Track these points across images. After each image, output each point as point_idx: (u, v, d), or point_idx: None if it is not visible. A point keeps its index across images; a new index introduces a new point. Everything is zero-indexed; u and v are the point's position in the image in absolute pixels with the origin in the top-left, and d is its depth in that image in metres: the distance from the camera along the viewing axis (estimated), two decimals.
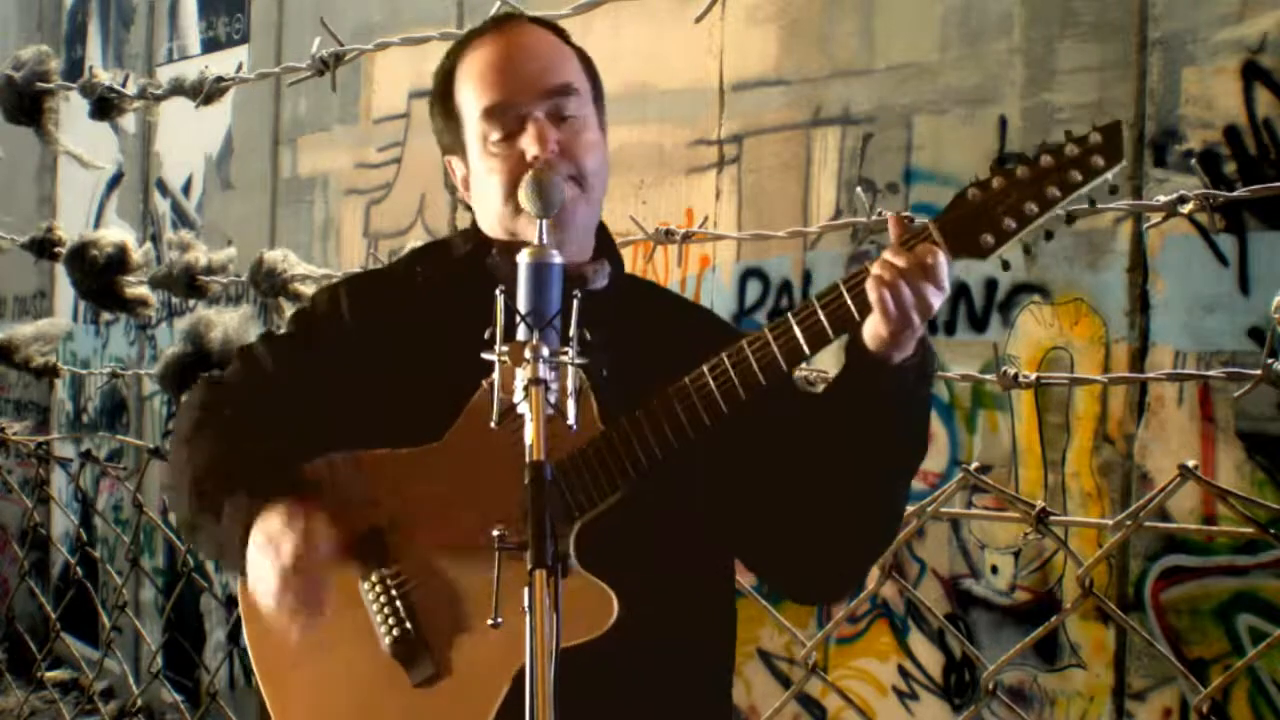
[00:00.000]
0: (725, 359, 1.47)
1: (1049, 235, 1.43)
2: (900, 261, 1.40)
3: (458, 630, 1.54)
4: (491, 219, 1.65)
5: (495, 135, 1.59)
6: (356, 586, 1.60)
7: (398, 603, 1.57)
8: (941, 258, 1.40)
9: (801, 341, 1.44)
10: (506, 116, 1.58)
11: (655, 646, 1.54)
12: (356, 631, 1.59)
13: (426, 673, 1.55)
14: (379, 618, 1.58)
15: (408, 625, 1.56)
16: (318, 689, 1.64)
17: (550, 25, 1.70)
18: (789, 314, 1.46)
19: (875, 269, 1.41)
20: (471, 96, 1.62)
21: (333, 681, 1.62)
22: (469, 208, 1.72)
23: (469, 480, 1.54)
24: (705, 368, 1.47)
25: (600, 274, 1.65)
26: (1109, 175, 1.40)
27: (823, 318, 1.43)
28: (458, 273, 1.67)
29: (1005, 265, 1.47)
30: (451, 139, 1.67)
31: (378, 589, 1.59)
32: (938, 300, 1.42)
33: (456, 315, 1.52)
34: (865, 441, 1.50)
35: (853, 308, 1.43)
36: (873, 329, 1.44)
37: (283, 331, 1.77)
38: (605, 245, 1.70)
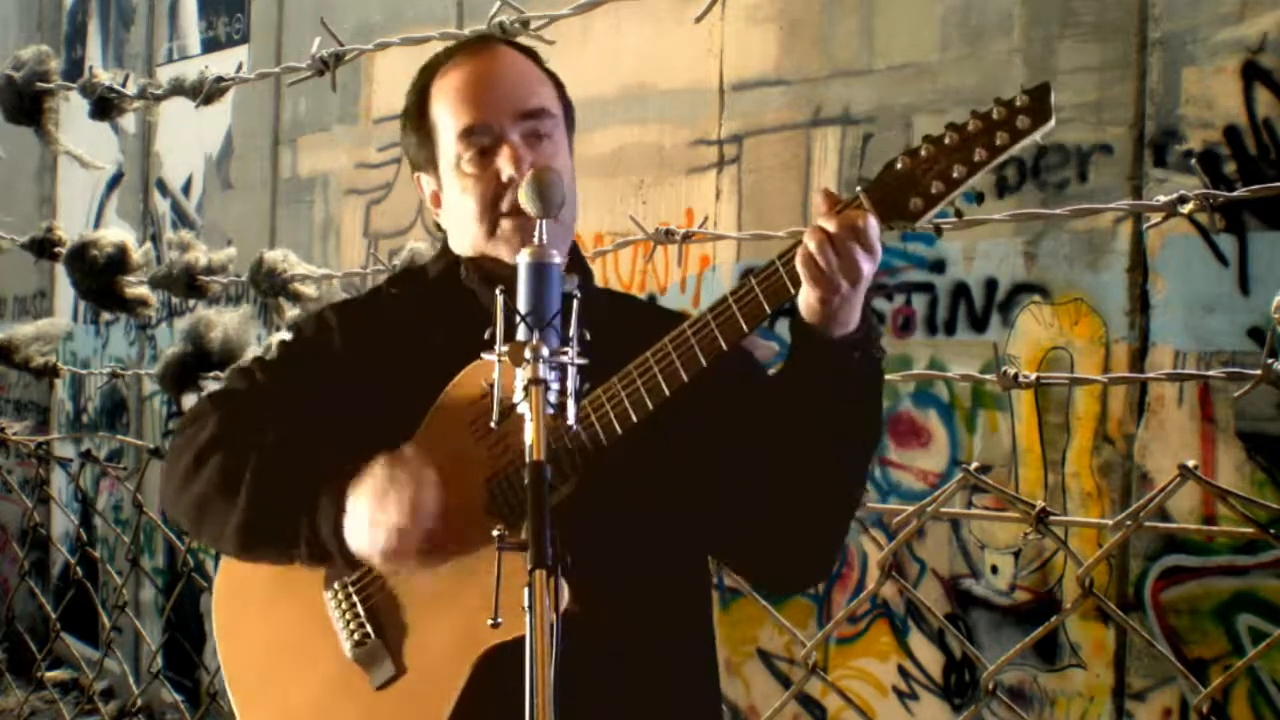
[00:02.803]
0: (668, 342, 1.48)
1: (980, 197, 1.46)
2: (828, 225, 1.41)
3: (415, 628, 1.55)
4: (464, 239, 1.67)
5: (469, 153, 1.61)
6: (319, 596, 1.62)
7: (358, 607, 1.59)
8: (870, 220, 1.41)
9: (740, 319, 1.45)
10: (482, 137, 1.60)
11: (629, 640, 1.54)
12: (320, 640, 1.61)
13: (387, 674, 1.56)
14: (340, 624, 1.59)
15: (368, 629, 1.58)
16: (283, 698, 1.65)
17: (524, 49, 1.72)
18: (728, 293, 1.47)
19: (804, 237, 1.43)
20: (448, 116, 1.64)
21: (297, 690, 1.63)
22: (438, 227, 1.74)
23: None
24: (650, 352, 1.48)
25: (568, 284, 1.65)
26: (1036, 136, 1.43)
27: (759, 293, 1.45)
28: (432, 293, 1.70)
29: (938, 231, 1.49)
30: (424, 156, 1.69)
31: (339, 596, 1.60)
32: (868, 265, 1.42)
33: (429, 330, 1.56)
34: (814, 421, 1.50)
35: (787, 280, 1.44)
36: (805, 298, 1.45)
37: (276, 354, 1.79)
38: (574, 260, 1.70)
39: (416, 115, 1.68)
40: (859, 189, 1.45)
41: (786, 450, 1.52)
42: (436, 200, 1.71)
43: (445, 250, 1.74)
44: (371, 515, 1.48)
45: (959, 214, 1.46)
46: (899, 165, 1.44)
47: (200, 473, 1.63)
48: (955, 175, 1.42)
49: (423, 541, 1.47)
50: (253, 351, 2.87)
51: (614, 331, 1.57)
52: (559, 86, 1.71)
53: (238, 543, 1.61)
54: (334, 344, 1.70)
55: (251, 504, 1.57)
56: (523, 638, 1.13)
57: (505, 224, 1.61)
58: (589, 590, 1.41)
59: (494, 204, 1.60)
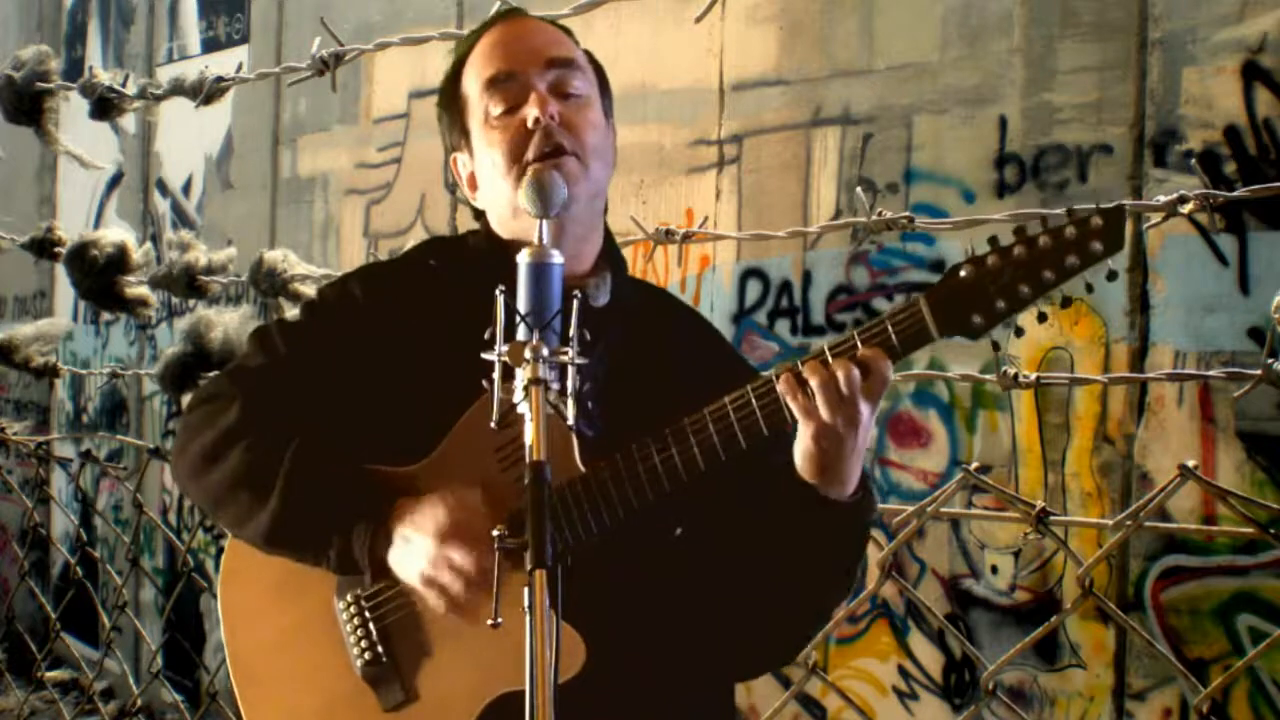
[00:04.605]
0: (706, 414, 1.44)
1: (1043, 317, 1.41)
2: (814, 375, 1.37)
3: (429, 657, 1.53)
4: (499, 204, 1.60)
5: (497, 109, 1.56)
6: (331, 602, 1.60)
7: (371, 625, 1.57)
8: (878, 366, 1.37)
9: (739, 436, 1.43)
10: (509, 87, 1.56)
11: (644, 686, 1.53)
12: (329, 648, 1.59)
13: (397, 699, 1.55)
14: (352, 639, 1.58)
15: (379, 649, 1.56)
16: (290, 703, 1.64)
17: (561, 26, 1.69)
18: (727, 400, 1.43)
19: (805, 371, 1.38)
20: (475, 75, 1.60)
21: (304, 697, 1.62)
22: (478, 214, 1.67)
23: None
24: (687, 421, 1.45)
25: (601, 289, 1.61)
26: (1108, 262, 1.37)
27: (756, 411, 1.41)
28: (475, 265, 1.61)
29: (995, 346, 1.46)
30: (456, 130, 1.63)
31: (351, 609, 1.58)
32: (868, 410, 1.39)
33: (471, 307, 1.46)
34: (790, 564, 1.50)
35: (782, 408, 1.40)
36: (799, 435, 1.42)
37: (298, 320, 1.71)
38: (609, 252, 1.65)
39: (450, 91, 1.64)
40: (921, 296, 1.39)
41: (759, 577, 1.52)
42: (473, 182, 1.64)
43: (489, 230, 1.66)
44: (432, 552, 1.45)
45: (1018, 331, 1.43)
46: (963, 274, 1.38)
47: (222, 461, 1.59)
48: (1021, 295, 1.37)
49: (465, 591, 1.45)
50: None
51: (642, 349, 1.56)
52: (592, 59, 1.67)
53: (263, 540, 1.58)
54: (363, 317, 1.63)
55: (283, 509, 1.54)
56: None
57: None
58: (605, 648, 1.41)
59: (520, 152, 1.53)
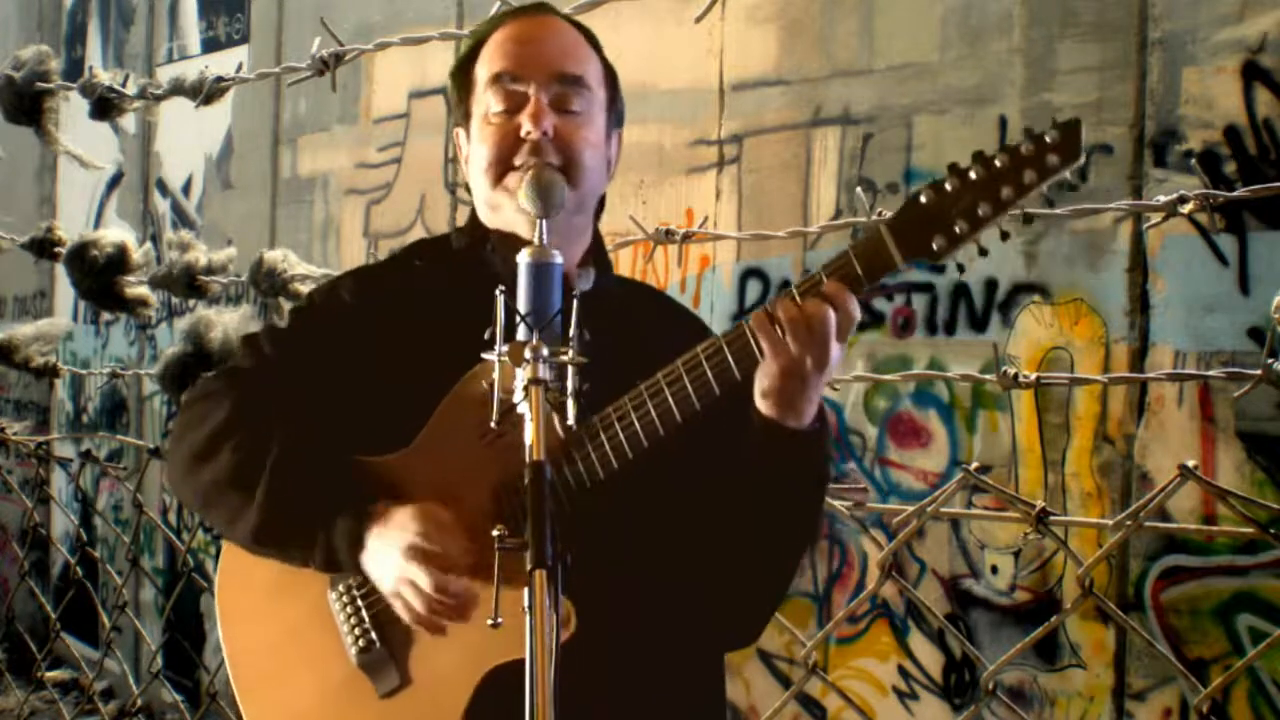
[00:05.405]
0: (661, 378, 1.45)
1: (1004, 235, 1.41)
2: (786, 309, 1.39)
3: (420, 642, 1.54)
4: (477, 194, 1.65)
5: (497, 106, 1.59)
6: (324, 594, 1.61)
7: (363, 613, 1.58)
8: (844, 303, 1.39)
9: (712, 381, 1.43)
10: (511, 89, 1.59)
11: (635, 664, 1.53)
12: (324, 640, 1.60)
13: (392, 684, 1.56)
14: (345, 628, 1.59)
15: (373, 636, 1.57)
16: (288, 699, 1.64)
17: (585, 30, 1.70)
18: (699, 349, 1.44)
19: (774, 305, 1.40)
20: (485, 66, 1.63)
21: (302, 692, 1.63)
22: (468, 188, 1.72)
23: (432, 488, 1.53)
24: (660, 374, 1.46)
25: (584, 278, 1.65)
26: (1065, 174, 1.38)
27: (728, 355, 1.42)
28: (455, 265, 1.67)
29: (960, 268, 1.47)
30: (462, 108, 1.67)
31: (344, 599, 1.59)
32: (838, 350, 1.40)
33: (451, 306, 1.51)
34: (750, 507, 1.51)
35: (754, 346, 1.41)
36: (764, 370, 1.43)
37: (287, 324, 1.75)
38: (595, 250, 1.69)
39: (463, 68, 1.67)
40: (881, 221, 1.42)
41: (722, 527, 1.53)
42: (467, 159, 1.68)
43: (473, 223, 1.70)
44: (397, 569, 1.47)
45: (983, 251, 1.41)
46: (923, 199, 1.40)
47: (211, 461, 1.61)
48: (981, 213, 1.38)
49: (426, 610, 1.47)
50: None
51: (627, 326, 1.56)
52: (610, 73, 1.69)
53: (251, 540, 1.60)
54: (349, 319, 1.66)
55: (268, 508, 1.55)
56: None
57: (511, 178, 1.57)
58: (593, 613, 1.41)
59: (505, 156, 1.57)
